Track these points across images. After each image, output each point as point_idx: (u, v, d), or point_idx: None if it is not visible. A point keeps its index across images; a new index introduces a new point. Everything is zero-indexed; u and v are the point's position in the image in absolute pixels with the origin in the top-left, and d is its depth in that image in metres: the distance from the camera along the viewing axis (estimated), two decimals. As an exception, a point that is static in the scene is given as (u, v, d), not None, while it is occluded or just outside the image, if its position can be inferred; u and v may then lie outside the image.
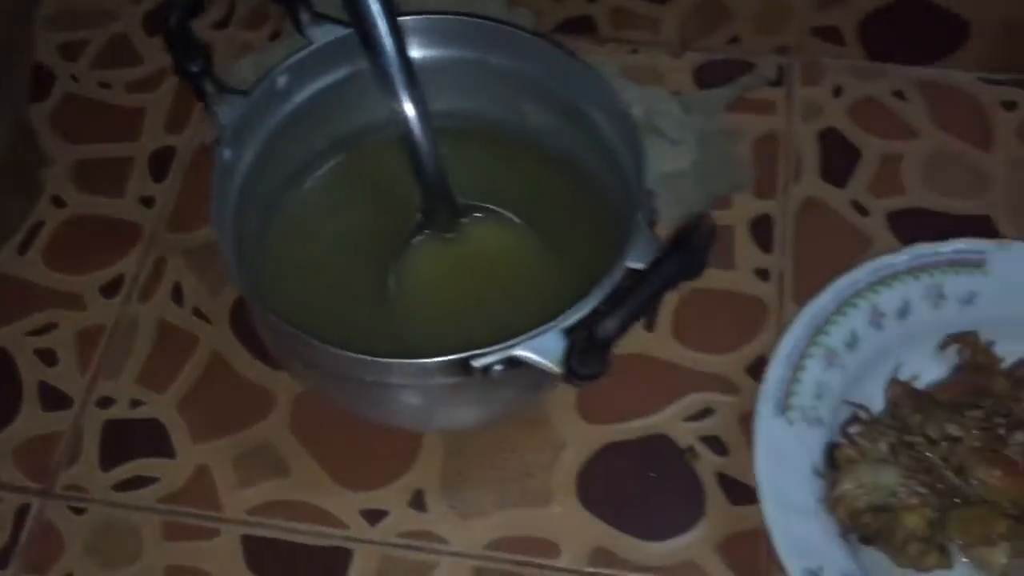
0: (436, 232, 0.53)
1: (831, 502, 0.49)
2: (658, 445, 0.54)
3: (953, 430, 0.50)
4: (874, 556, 0.49)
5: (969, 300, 0.53)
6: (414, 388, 0.46)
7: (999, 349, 0.53)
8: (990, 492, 0.49)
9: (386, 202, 0.56)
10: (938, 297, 0.53)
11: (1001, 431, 0.51)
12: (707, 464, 0.53)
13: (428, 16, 0.53)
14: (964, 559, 0.49)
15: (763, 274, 0.59)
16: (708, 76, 0.65)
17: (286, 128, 0.53)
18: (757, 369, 0.55)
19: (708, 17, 0.67)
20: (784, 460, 0.50)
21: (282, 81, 0.52)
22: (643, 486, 0.53)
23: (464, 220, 0.53)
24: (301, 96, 0.53)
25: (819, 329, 0.52)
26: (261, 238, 0.54)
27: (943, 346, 0.53)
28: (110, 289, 0.60)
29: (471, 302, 0.53)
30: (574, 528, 0.52)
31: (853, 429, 0.51)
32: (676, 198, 0.61)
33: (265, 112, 0.52)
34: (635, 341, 0.57)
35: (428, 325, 0.52)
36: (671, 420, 0.55)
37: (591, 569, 0.51)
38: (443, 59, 0.54)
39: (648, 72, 0.66)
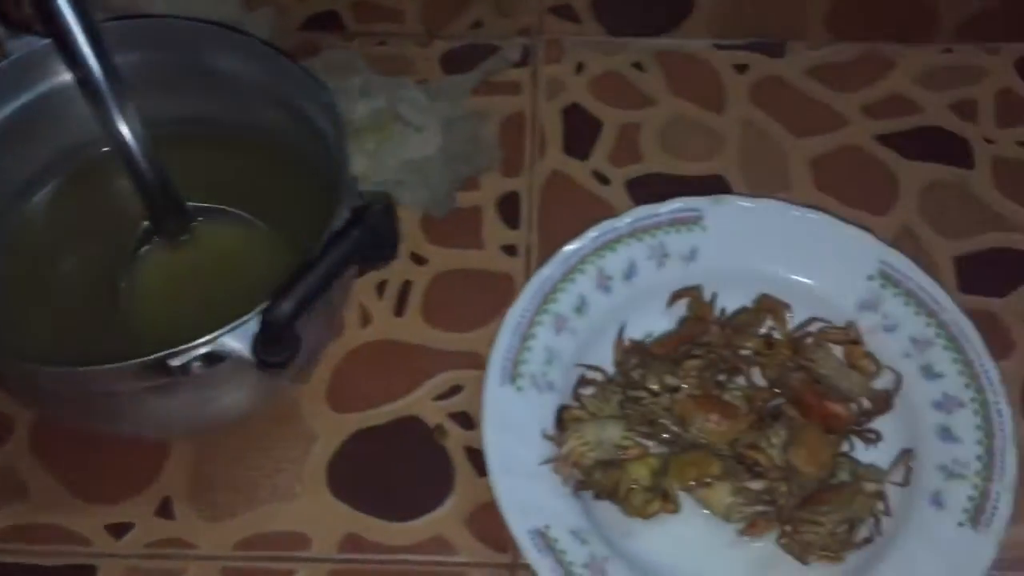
0: (166, 238, 0.52)
1: (558, 462, 0.50)
2: (408, 427, 0.54)
3: (672, 381, 0.51)
4: (609, 511, 0.51)
5: (691, 257, 0.56)
6: (126, 395, 0.46)
7: (722, 301, 0.55)
8: (711, 437, 0.51)
9: (114, 214, 0.55)
10: (662, 256, 0.55)
11: (721, 378, 0.53)
12: (456, 440, 0.54)
13: (134, 19, 0.53)
14: (698, 505, 0.51)
15: (510, 250, 0.60)
16: (455, 62, 0.67)
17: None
18: (504, 343, 0.56)
19: (449, 4, 0.68)
20: (512, 426, 0.51)
21: None
22: (393, 469, 0.54)
23: (194, 223, 0.53)
24: (2, 113, 0.52)
25: (547, 297, 0.54)
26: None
27: (670, 303, 0.55)
28: None
29: (205, 303, 0.52)
30: (324, 518, 0.52)
31: (586, 391, 0.53)
32: (423, 183, 0.62)
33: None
34: (384, 327, 0.58)
35: (164, 332, 0.51)
36: (421, 401, 0.55)
37: (341, 556, 0.51)
38: (154, 63, 0.53)
39: (397, 62, 0.66)
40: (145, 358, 0.42)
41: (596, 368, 0.54)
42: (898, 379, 0.53)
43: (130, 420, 0.50)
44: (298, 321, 0.41)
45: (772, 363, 0.53)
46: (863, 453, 0.52)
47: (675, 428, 0.51)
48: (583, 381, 0.53)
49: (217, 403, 0.49)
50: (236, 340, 0.42)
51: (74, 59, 0.46)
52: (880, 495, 0.50)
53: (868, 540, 0.50)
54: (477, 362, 0.56)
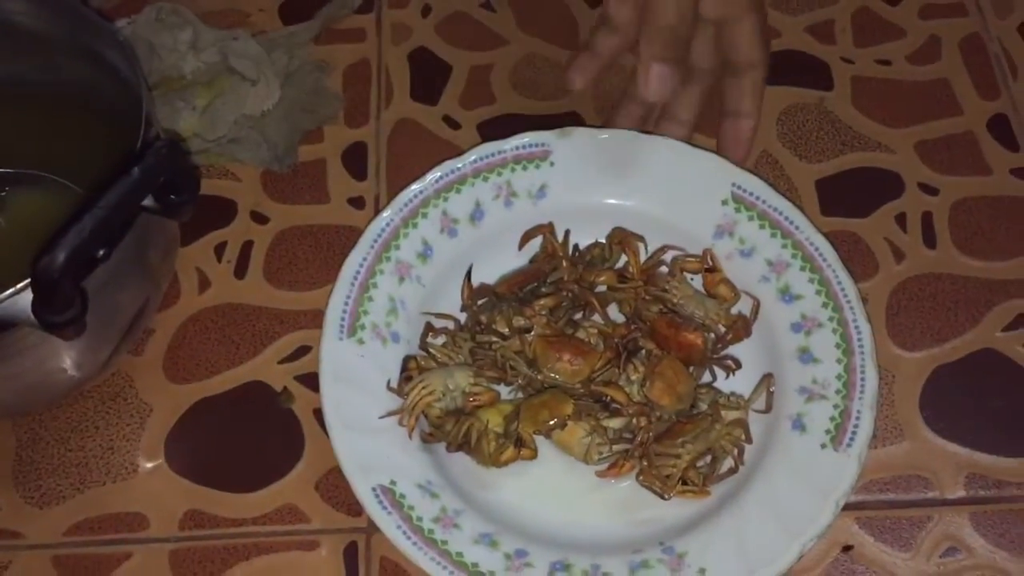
0: None
1: (402, 413, 0.48)
2: (253, 393, 0.51)
3: (522, 322, 0.49)
4: (464, 463, 0.48)
5: (540, 194, 0.53)
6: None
7: (575, 238, 0.53)
8: (565, 377, 0.48)
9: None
10: (509, 195, 0.53)
11: (576, 316, 0.51)
12: (305, 402, 0.51)
13: None
14: (556, 449, 0.48)
15: (358, 202, 0.57)
16: (294, 12, 0.63)
17: None
18: (352, 298, 0.53)
19: (283, -48, 0.65)
20: (353, 380, 0.48)
21: None
22: (238, 438, 0.50)
23: (3, 192, 0.49)
24: None
25: (388, 244, 0.51)
26: None
27: (521, 245, 0.53)
28: None
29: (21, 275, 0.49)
30: (163, 495, 0.49)
31: (436, 341, 0.50)
32: (262, 138, 0.58)
33: None
34: (224, 290, 0.54)
35: None
36: (266, 365, 0.52)
37: (183, 533, 0.48)
38: None
39: (232, 15, 0.63)
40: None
41: (445, 315, 0.51)
42: (756, 304, 0.51)
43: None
44: (76, 274, 0.37)
45: (627, 297, 0.51)
46: (725, 383, 0.50)
47: (527, 371, 0.48)
48: (431, 330, 0.50)
49: (26, 378, 0.45)
50: (18, 302, 0.38)
51: None
52: (741, 423, 0.48)
53: (732, 471, 0.48)
54: (320, 321, 0.53)
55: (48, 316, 0.37)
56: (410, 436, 0.47)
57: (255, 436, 0.50)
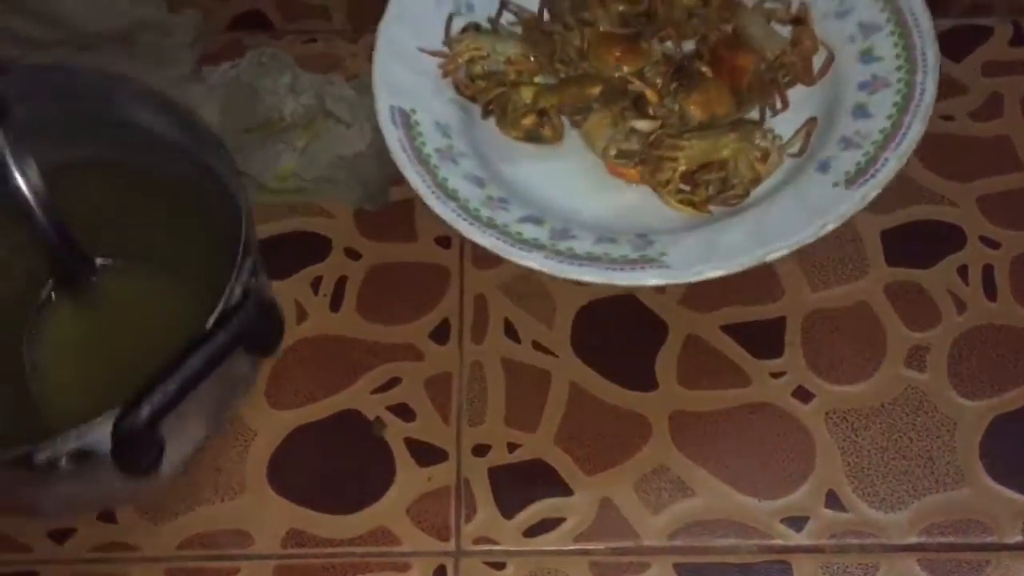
0: (69, 293, 0.51)
1: (447, 60, 0.50)
2: (348, 421, 0.55)
3: (589, 16, 0.51)
4: (491, 131, 0.51)
5: None
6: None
7: None
8: (607, 67, 0.50)
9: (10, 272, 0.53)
10: None
11: (642, 29, 0.52)
12: (396, 431, 0.54)
13: (39, 69, 0.51)
14: (580, 142, 0.51)
15: (444, 242, 0.60)
16: (385, 57, 0.67)
17: None
18: (441, 333, 0.57)
19: (375, 1, 0.68)
20: (414, 19, 0.52)
21: None
22: (334, 463, 0.54)
23: (98, 276, 0.51)
24: None
25: None
26: None
27: None
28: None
29: (116, 364, 0.51)
30: (266, 515, 0.52)
31: (503, 16, 0.53)
32: (355, 178, 0.62)
33: None
34: (320, 322, 0.58)
35: (72, 396, 0.50)
36: (359, 395, 0.56)
37: (285, 551, 0.52)
38: (58, 111, 0.51)
39: (326, 59, 0.66)
40: (4, 455, 0.42)
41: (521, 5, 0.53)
42: (829, 58, 0.52)
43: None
44: (160, 425, 0.40)
45: (703, 22, 0.52)
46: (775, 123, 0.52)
47: (576, 61, 0.50)
48: (505, 9, 0.53)
49: (99, 490, 0.48)
50: (98, 439, 0.41)
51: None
52: (764, 151, 0.49)
53: (737, 196, 0.49)
54: (414, 354, 0.57)
55: (126, 463, 0.40)
56: (444, 75, 0.51)
57: (351, 462, 0.54)
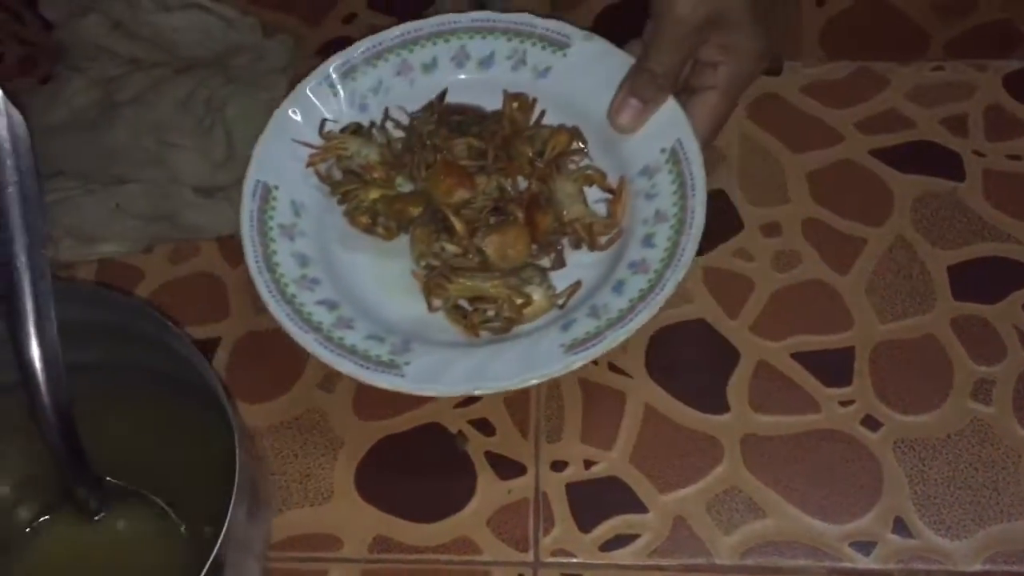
0: (72, 513, 0.50)
1: (318, 150, 0.60)
2: (431, 433, 0.57)
3: (440, 141, 0.59)
4: (337, 215, 0.60)
5: (544, 74, 0.63)
6: None
7: (547, 120, 0.62)
8: (437, 192, 0.58)
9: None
10: (519, 62, 0.63)
11: (484, 163, 0.59)
12: (476, 445, 0.57)
13: (63, 286, 0.47)
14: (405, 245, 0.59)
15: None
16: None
17: None
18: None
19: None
20: (307, 111, 0.61)
21: None
22: (418, 473, 0.56)
23: (100, 501, 0.50)
24: None
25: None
26: None
27: (504, 101, 0.62)
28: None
29: None
30: (354, 520, 0.55)
31: (387, 122, 0.62)
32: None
33: None
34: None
35: None
36: (442, 409, 0.58)
37: (372, 556, 0.54)
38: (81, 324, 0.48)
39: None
40: None
41: (402, 110, 0.62)
42: (620, 233, 0.59)
43: None
44: None
45: (529, 171, 0.60)
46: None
47: (418, 175, 0.59)
48: (386, 116, 0.62)
49: None
50: None
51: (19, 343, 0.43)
52: (527, 299, 0.56)
53: (500, 328, 0.56)
54: (495, 371, 0.59)
55: None
56: (307, 165, 0.60)
57: (434, 472, 0.56)
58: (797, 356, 0.59)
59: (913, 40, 0.70)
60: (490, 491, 0.56)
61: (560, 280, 0.58)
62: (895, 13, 0.71)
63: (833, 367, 0.58)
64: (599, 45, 0.62)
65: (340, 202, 0.60)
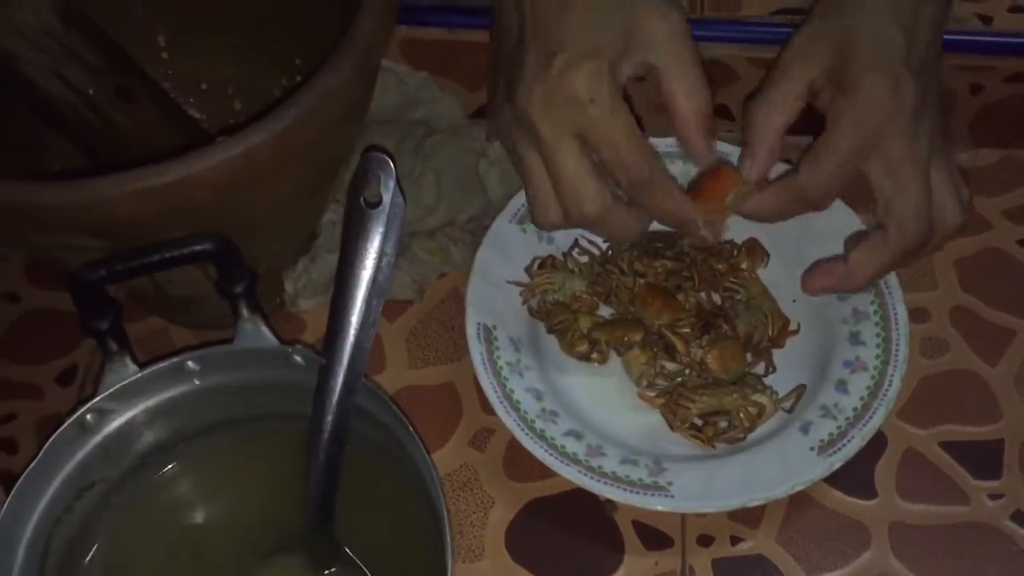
0: (299, 560, 0.52)
1: (526, 288, 0.63)
2: (579, 498, 0.58)
3: (640, 267, 0.62)
4: (552, 345, 0.62)
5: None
6: None
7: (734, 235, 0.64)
8: (649, 316, 0.60)
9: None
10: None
11: (682, 283, 0.62)
12: (625, 513, 0.58)
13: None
14: (620, 366, 0.61)
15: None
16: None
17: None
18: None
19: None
20: (508, 251, 0.63)
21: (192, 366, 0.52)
22: (567, 538, 0.58)
23: (332, 558, 0.52)
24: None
25: None
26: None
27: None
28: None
29: None
30: (504, 581, 0.57)
31: (577, 254, 0.64)
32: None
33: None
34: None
35: None
36: (591, 475, 0.59)
37: (520, 618, 0.56)
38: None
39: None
40: None
41: (592, 241, 0.64)
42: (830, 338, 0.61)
43: None
44: None
45: (728, 289, 0.62)
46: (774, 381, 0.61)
47: (626, 302, 0.62)
48: (578, 246, 0.64)
49: None
50: None
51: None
52: (760, 407, 0.58)
53: (736, 439, 0.58)
54: (641, 440, 0.60)
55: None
56: (523, 303, 0.62)
57: (582, 538, 0.58)
58: (945, 445, 0.59)
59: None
60: (637, 562, 0.57)
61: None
62: (1046, 103, 0.72)
63: (981, 458, 0.59)
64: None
65: (550, 331, 0.62)
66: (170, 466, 0.55)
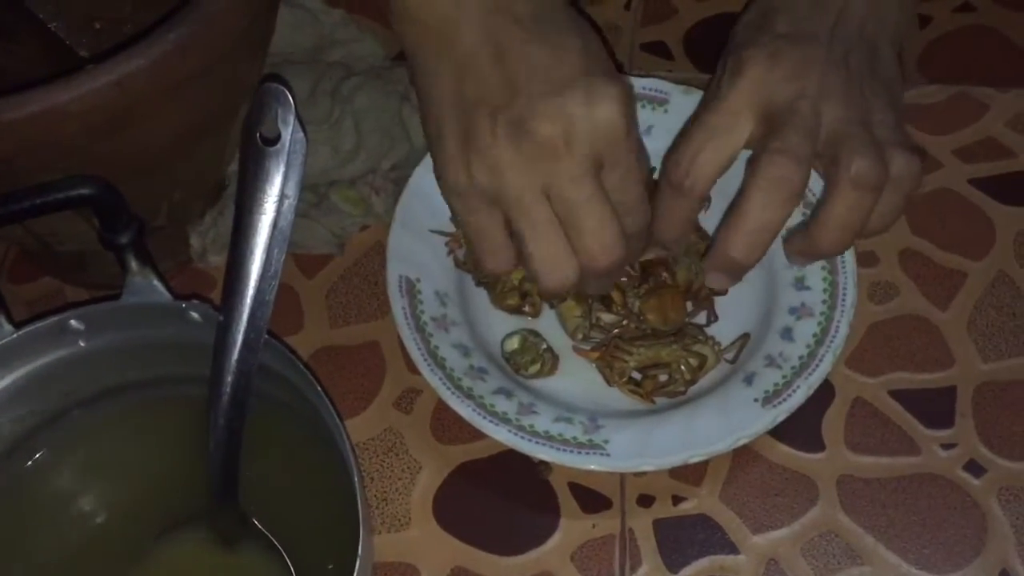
0: (196, 534, 0.48)
1: (452, 238, 0.59)
2: (512, 460, 0.55)
3: None
4: (480, 297, 0.59)
5: (647, 132, 0.60)
6: None
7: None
8: None
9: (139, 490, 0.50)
10: None
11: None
12: (560, 475, 0.55)
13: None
14: (555, 319, 0.58)
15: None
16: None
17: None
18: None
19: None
20: (430, 202, 0.57)
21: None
22: (499, 503, 0.54)
23: (238, 532, 0.48)
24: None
25: None
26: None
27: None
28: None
29: None
30: (433, 549, 0.53)
31: None
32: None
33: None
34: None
35: None
36: (524, 435, 0.56)
37: (451, 588, 0.52)
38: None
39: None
40: None
41: None
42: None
43: None
44: None
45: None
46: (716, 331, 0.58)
47: None
48: None
49: None
50: None
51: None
52: (701, 359, 0.55)
53: (676, 392, 0.55)
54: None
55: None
56: (449, 254, 0.58)
57: (515, 502, 0.54)
58: (895, 394, 0.56)
59: (1014, 65, 0.68)
60: (574, 525, 0.53)
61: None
62: (997, 37, 0.69)
63: (933, 407, 0.56)
64: (698, 97, 0.60)
65: (478, 284, 0.58)
66: (41, 452, 0.49)
